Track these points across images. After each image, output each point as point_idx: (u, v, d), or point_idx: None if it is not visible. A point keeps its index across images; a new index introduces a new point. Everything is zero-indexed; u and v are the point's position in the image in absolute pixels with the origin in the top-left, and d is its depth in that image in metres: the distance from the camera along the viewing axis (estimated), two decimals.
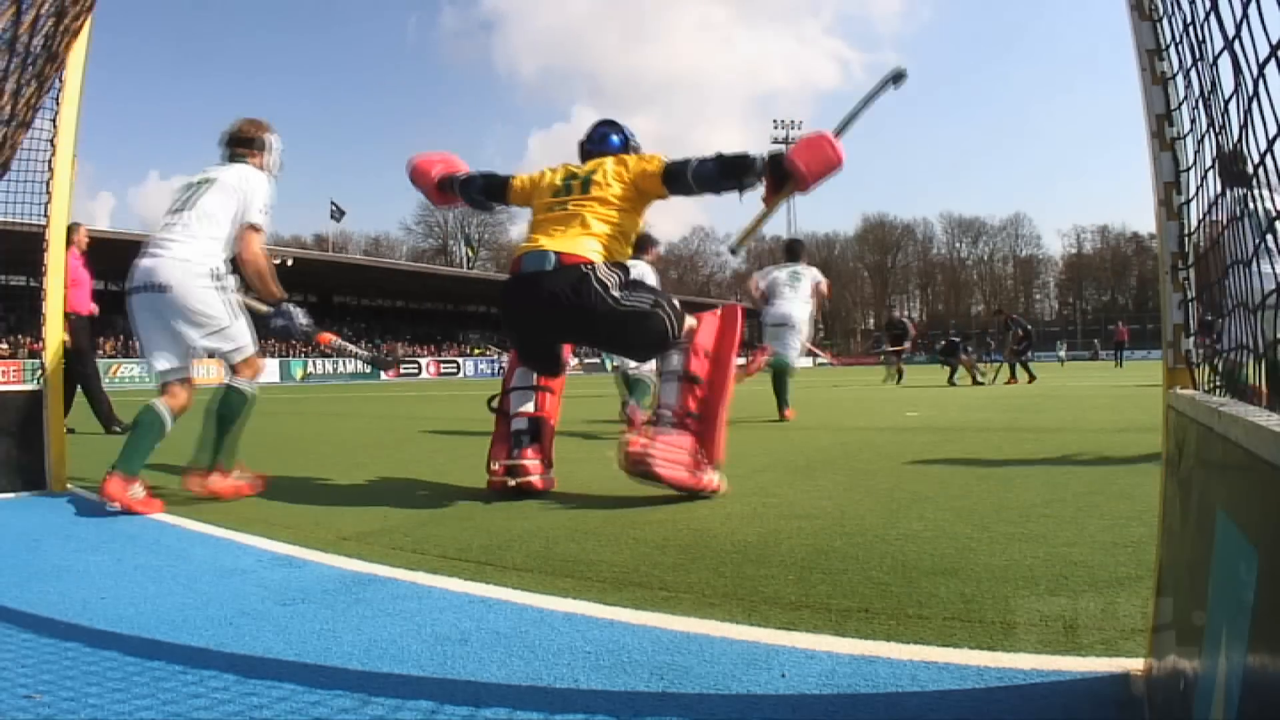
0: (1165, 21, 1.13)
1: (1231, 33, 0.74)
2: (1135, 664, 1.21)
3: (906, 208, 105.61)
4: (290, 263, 31.43)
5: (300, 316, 3.25)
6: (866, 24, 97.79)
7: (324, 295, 38.25)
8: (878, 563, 1.89)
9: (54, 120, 3.26)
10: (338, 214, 40.62)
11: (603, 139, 3.28)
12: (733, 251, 3.45)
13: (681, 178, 2.84)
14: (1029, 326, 14.20)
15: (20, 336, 21.61)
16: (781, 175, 2.74)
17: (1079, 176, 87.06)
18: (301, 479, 3.66)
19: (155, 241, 2.98)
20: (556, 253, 2.78)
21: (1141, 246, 62.03)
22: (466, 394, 14.14)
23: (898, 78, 2.75)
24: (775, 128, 69.55)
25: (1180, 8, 0.99)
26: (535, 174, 3.20)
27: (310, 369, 31.99)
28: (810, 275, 6.83)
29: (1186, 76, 1.02)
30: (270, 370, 30.56)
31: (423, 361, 34.86)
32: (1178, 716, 0.87)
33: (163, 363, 3.07)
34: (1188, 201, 1.13)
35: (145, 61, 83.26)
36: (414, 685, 1.26)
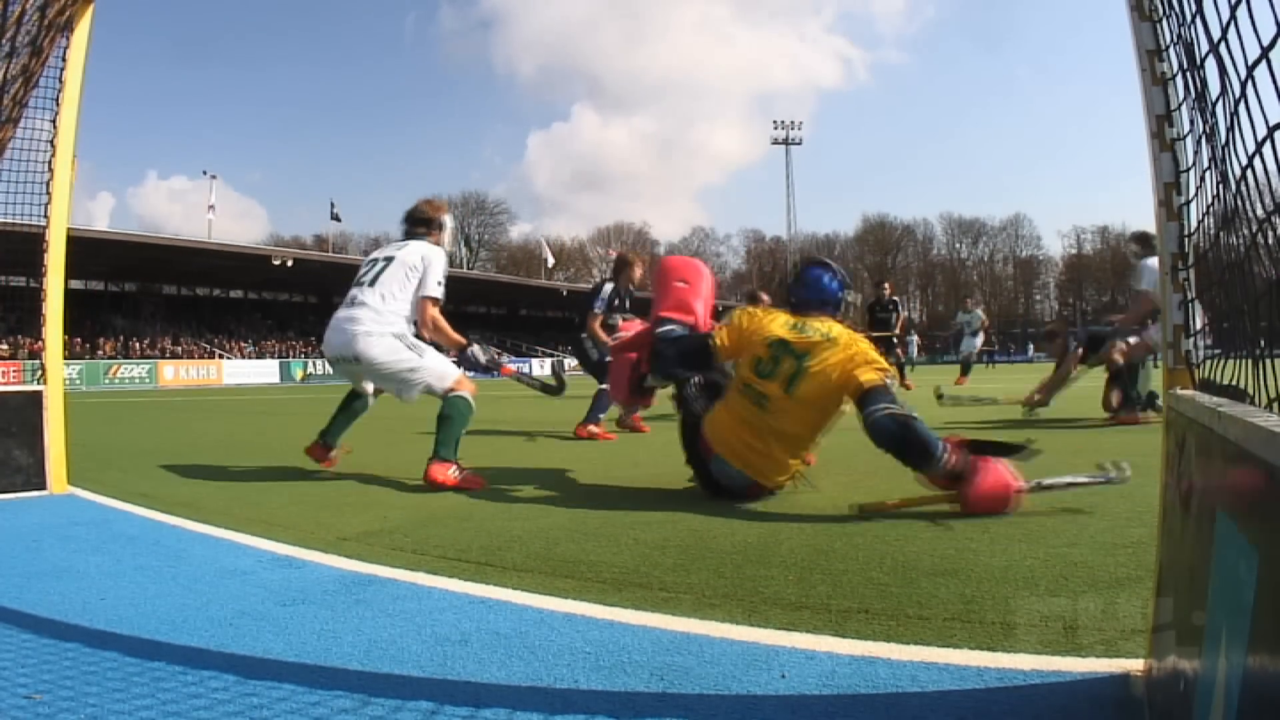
0: (1165, 22, 1.13)
1: (1217, 36, 0.74)
2: (1135, 664, 1.21)
3: (906, 208, 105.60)
4: (290, 263, 31.48)
5: (480, 355, 3.70)
6: (868, 22, 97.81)
7: (324, 296, 38.27)
8: (878, 563, 1.89)
9: (54, 120, 3.26)
10: (337, 215, 40.74)
11: (815, 282, 2.99)
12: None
13: (860, 411, 2.64)
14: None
15: (20, 337, 21.64)
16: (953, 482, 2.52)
17: (1079, 177, 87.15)
18: (301, 479, 3.65)
19: (344, 314, 3.47)
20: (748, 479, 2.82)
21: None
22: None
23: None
24: (775, 128, 69.69)
25: (1173, 9, 1.00)
26: (750, 323, 2.90)
27: (310, 369, 31.99)
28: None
29: (1184, 77, 1.02)
30: (270, 370, 30.59)
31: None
32: (1178, 717, 0.87)
33: (412, 394, 3.50)
34: (1188, 202, 1.13)
35: (144, 61, 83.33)
36: (414, 685, 1.26)
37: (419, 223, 3.66)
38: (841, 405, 2.77)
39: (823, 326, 2.83)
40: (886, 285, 12.46)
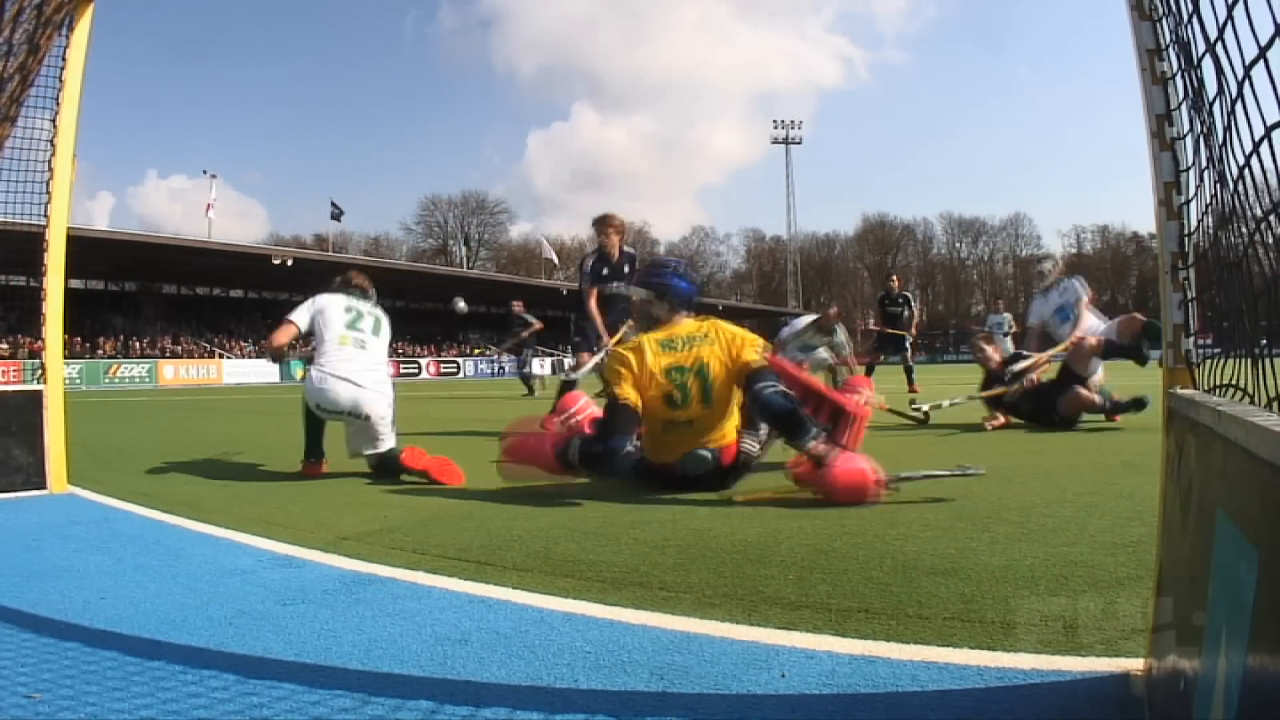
0: (1164, 22, 1.13)
1: (1214, 35, 0.74)
2: (1135, 664, 1.21)
3: (906, 208, 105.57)
4: (290, 263, 31.46)
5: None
6: (869, 22, 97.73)
7: None
8: (878, 563, 1.89)
9: (54, 120, 3.26)
10: (337, 213, 40.67)
11: (683, 284, 3.23)
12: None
13: (747, 389, 2.95)
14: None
15: (20, 336, 21.65)
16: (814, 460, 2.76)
17: (1079, 176, 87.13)
18: (301, 479, 3.65)
19: (357, 368, 3.68)
20: (717, 455, 2.98)
21: (1141, 246, 62.03)
22: (467, 395, 14.14)
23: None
24: (775, 127, 69.64)
25: (1171, 10, 1.00)
26: (636, 369, 3.02)
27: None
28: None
29: (1183, 77, 1.02)
30: (270, 370, 30.54)
31: (422, 362, 34.86)
32: (1178, 716, 0.87)
33: (364, 448, 3.70)
34: (1188, 201, 1.13)
35: (144, 60, 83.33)
36: (414, 685, 1.26)
37: (359, 287, 4.04)
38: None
39: (685, 331, 3.08)
40: (894, 278, 11.69)
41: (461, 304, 8.93)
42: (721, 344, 3.02)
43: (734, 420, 3.08)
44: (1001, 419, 5.25)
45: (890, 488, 2.68)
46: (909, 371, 10.66)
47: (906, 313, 10.55)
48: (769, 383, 2.92)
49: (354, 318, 3.82)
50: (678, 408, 2.98)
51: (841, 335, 7.81)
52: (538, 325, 12.31)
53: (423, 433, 6.18)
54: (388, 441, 3.68)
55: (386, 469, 3.60)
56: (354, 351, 3.71)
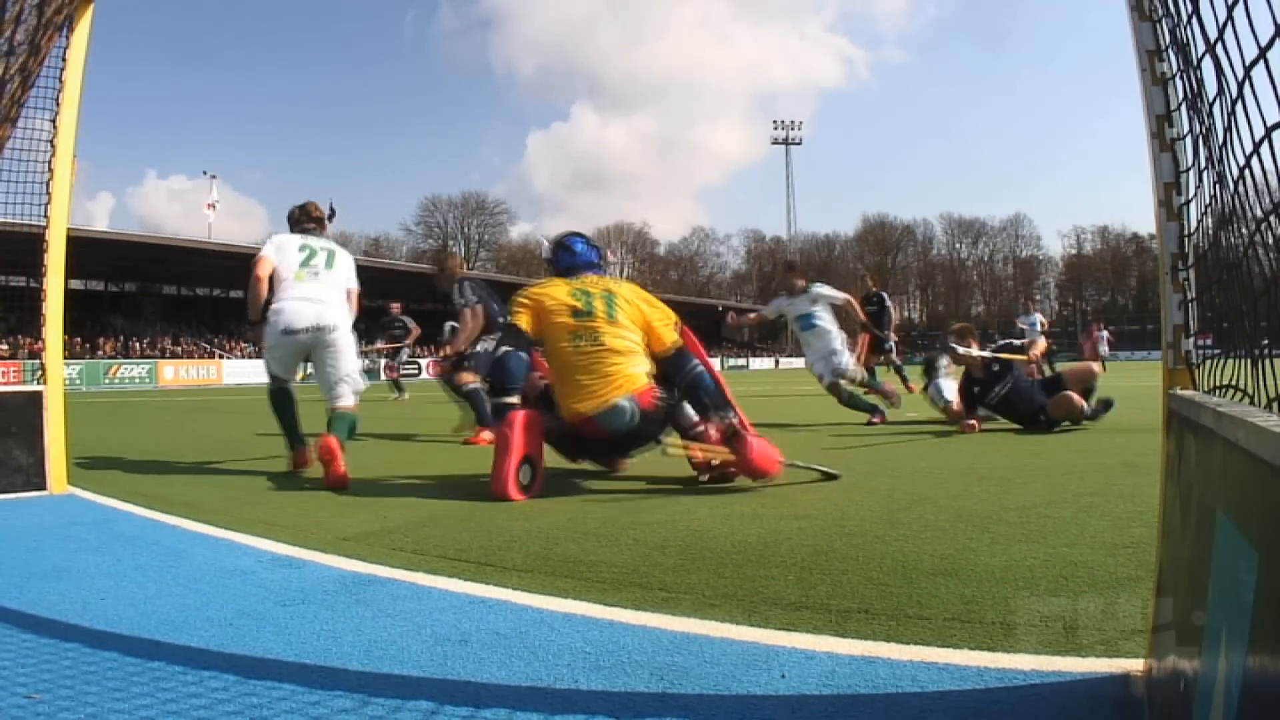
0: (1165, 22, 1.13)
1: (1214, 36, 0.74)
2: (1135, 664, 1.21)
3: (906, 208, 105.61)
4: None
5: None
6: (870, 21, 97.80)
7: None
8: (878, 563, 1.89)
9: (54, 121, 3.26)
10: (331, 214, 40.63)
11: (580, 250, 3.47)
12: None
13: (684, 374, 3.21)
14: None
15: (20, 337, 21.67)
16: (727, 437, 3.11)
17: (1079, 177, 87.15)
18: (301, 479, 3.65)
19: (310, 293, 3.82)
20: (635, 403, 3.12)
21: (1141, 247, 62.03)
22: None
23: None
24: (775, 128, 69.63)
25: (1169, 11, 1.00)
26: (538, 298, 3.27)
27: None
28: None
29: (1183, 78, 1.02)
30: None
31: (422, 363, 34.86)
32: (1178, 717, 0.87)
33: (348, 387, 3.86)
34: (1188, 202, 1.13)
35: (142, 60, 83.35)
36: (414, 685, 1.26)
37: (316, 220, 4.14)
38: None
39: (595, 278, 3.33)
40: (870, 279, 11.61)
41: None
42: (631, 292, 3.31)
43: (646, 365, 3.22)
44: (975, 423, 5.24)
45: (785, 466, 3.10)
46: (899, 370, 10.55)
47: (882, 312, 10.43)
48: (695, 362, 3.22)
49: (307, 255, 3.94)
50: (583, 318, 3.16)
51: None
52: (417, 331, 11.67)
53: (428, 433, 6.18)
54: (350, 387, 3.84)
55: (338, 425, 3.66)
56: (309, 284, 3.86)
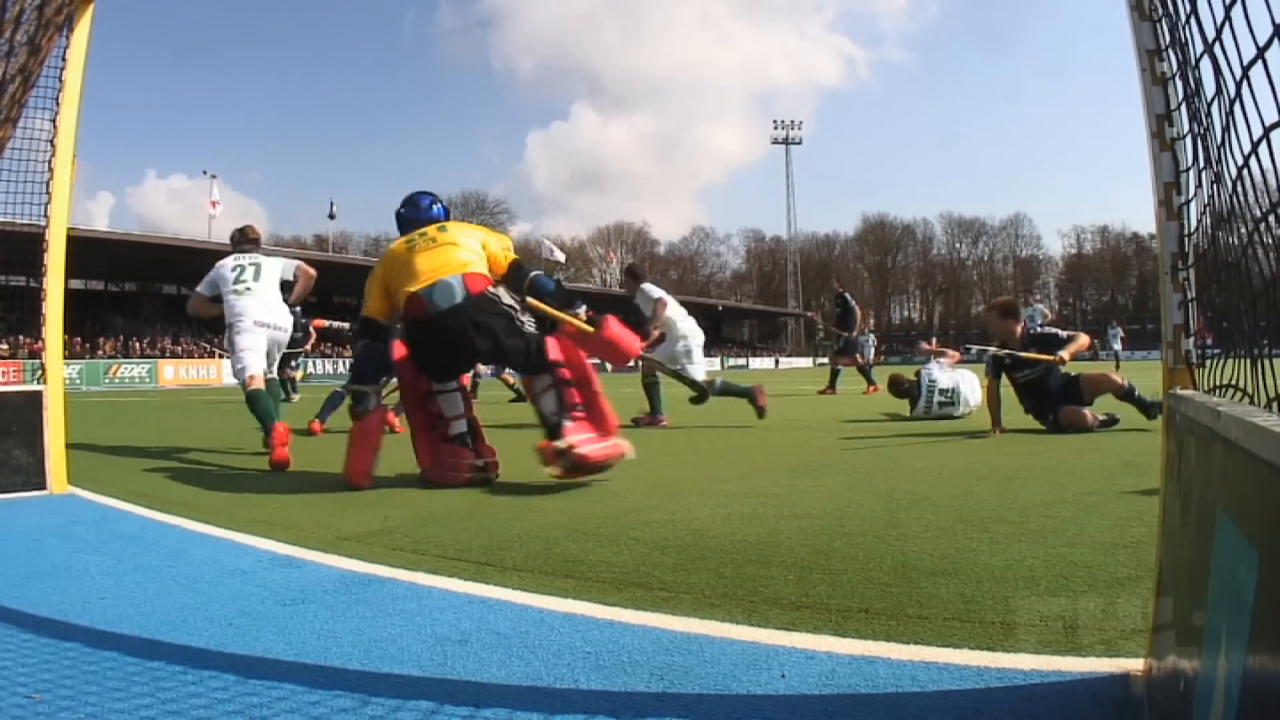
0: (1165, 22, 1.13)
1: (1212, 35, 0.74)
2: (1135, 664, 1.21)
3: (906, 208, 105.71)
4: None
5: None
6: (871, 20, 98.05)
7: (324, 295, 38.24)
8: (878, 563, 1.89)
9: (54, 121, 3.26)
10: (334, 213, 40.74)
11: (430, 207, 3.72)
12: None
13: (522, 277, 3.42)
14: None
15: (20, 337, 21.67)
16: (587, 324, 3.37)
17: (1080, 176, 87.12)
18: (301, 479, 3.65)
19: (265, 300, 4.74)
20: (461, 279, 3.24)
21: (1141, 246, 62.05)
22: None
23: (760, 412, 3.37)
24: (775, 128, 69.64)
25: (1167, 12, 1.00)
26: (378, 271, 3.49)
27: (310, 369, 31.94)
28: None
29: (1182, 78, 1.02)
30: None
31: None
32: (1178, 717, 0.87)
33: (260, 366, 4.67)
34: (1188, 201, 1.13)
35: (142, 60, 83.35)
36: (414, 685, 1.26)
37: (253, 240, 5.06)
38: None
39: (430, 232, 3.43)
40: (835, 281, 11.83)
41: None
42: (472, 227, 3.54)
43: (483, 267, 3.35)
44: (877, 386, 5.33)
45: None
46: (865, 371, 10.86)
47: (847, 313, 10.74)
48: (534, 268, 3.45)
49: (238, 273, 4.73)
50: (420, 245, 3.35)
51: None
52: (315, 338, 11.28)
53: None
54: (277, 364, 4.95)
55: (253, 401, 4.42)
56: (245, 298, 4.67)
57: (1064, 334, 5.24)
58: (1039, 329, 5.53)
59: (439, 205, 3.77)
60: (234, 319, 4.63)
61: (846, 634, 1.43)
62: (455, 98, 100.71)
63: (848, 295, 11.08)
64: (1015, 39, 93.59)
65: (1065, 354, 5.00)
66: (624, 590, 1.75)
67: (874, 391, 9.89)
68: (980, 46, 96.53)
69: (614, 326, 3.34)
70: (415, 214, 3.67)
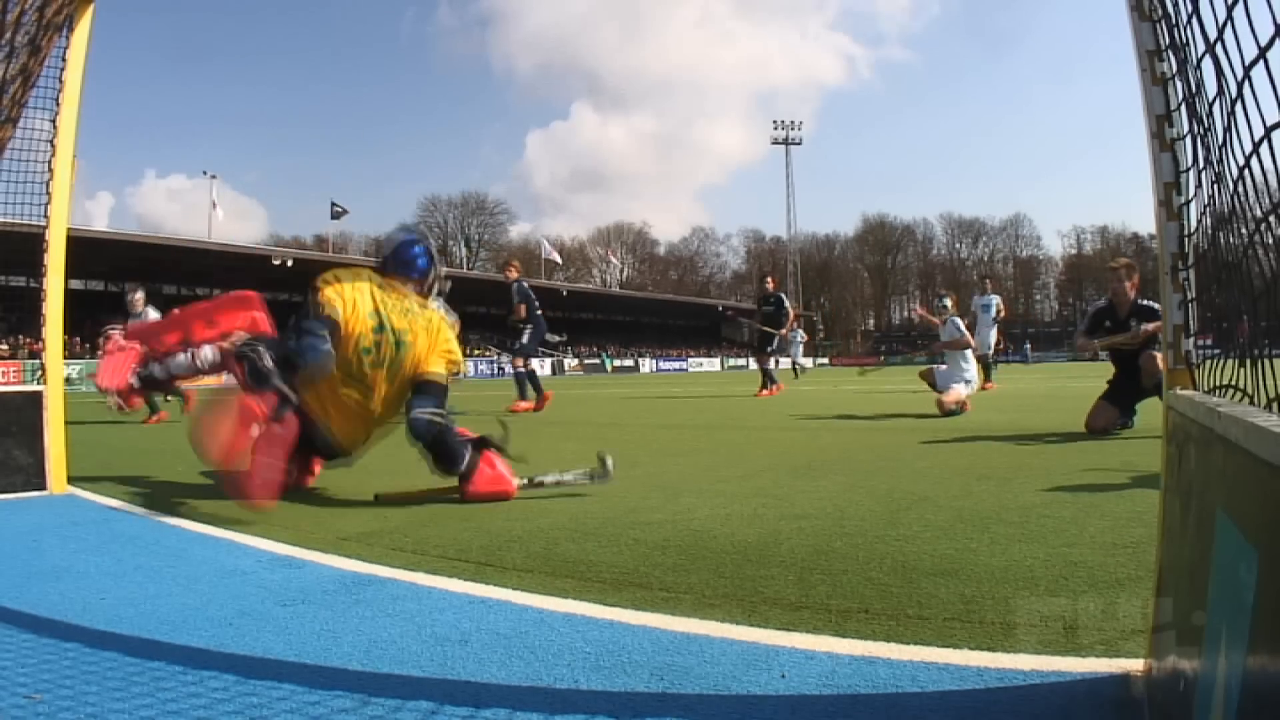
0: (1165, 22, 1.13)
1: (1214, 36, 0.74)
2: (1135, 664, 1.21)
3: (906, 208, 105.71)
4: (290, 263, 31.46)
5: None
6: (872, 20, 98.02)
7: None
8: (878, 563, 1.89)
9: (54, 121, 3.26)
10: (339, 212, 40.67)
11: (409, 255, 3.15)
12: None
13: (409, 416, 2.95)
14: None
15: (20, 337, 21.67)
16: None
17: (1080, 176, 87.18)
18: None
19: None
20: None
21: (1141, 246, 62.00)
22: (467, 394, 14.13)
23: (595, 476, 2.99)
24: (775, 128, 69.64)
25: (1167, 12, 1.00)
26: (348, 299, 2.92)
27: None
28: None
29: (1181, 78, 1.02)
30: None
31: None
32: (1178, 717, 0.87)
33: None
34: (1188, 202, 1.13)
35: (141, 60, 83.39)
36: (414, 685, 1.26)
37: None
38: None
39: (412, 303, 3.01)
40: (770, 280, 11.87)
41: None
42: (428, 338, 2.99)
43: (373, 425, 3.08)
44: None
45: (525, 488, 2.92)
46: (765, 373, 10.99)
47: (779, 312, 11.02)
48: (429, 407, 2.87)
49: None
50: (372, 367, 2.91)
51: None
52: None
53: None
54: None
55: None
56: None
57: (1150, 327, 4.98)
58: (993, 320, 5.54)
59: (426, 255, 3.21)
60: None
61: (846, 634, 1.43)
62: (454, 97, 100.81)
63: (783, 295, 11.41)
64: (1017, 38, 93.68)
65: (1151, 327, 4.82)
66: (624, 590, 1.75)
67: (773, 393, 10.29)
68: (982, 45, 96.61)
69: (483, 477, 2.88)
70: (400, 268, 3.14)
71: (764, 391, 10.58)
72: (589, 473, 2.96)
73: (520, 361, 8.41)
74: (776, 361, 11.33)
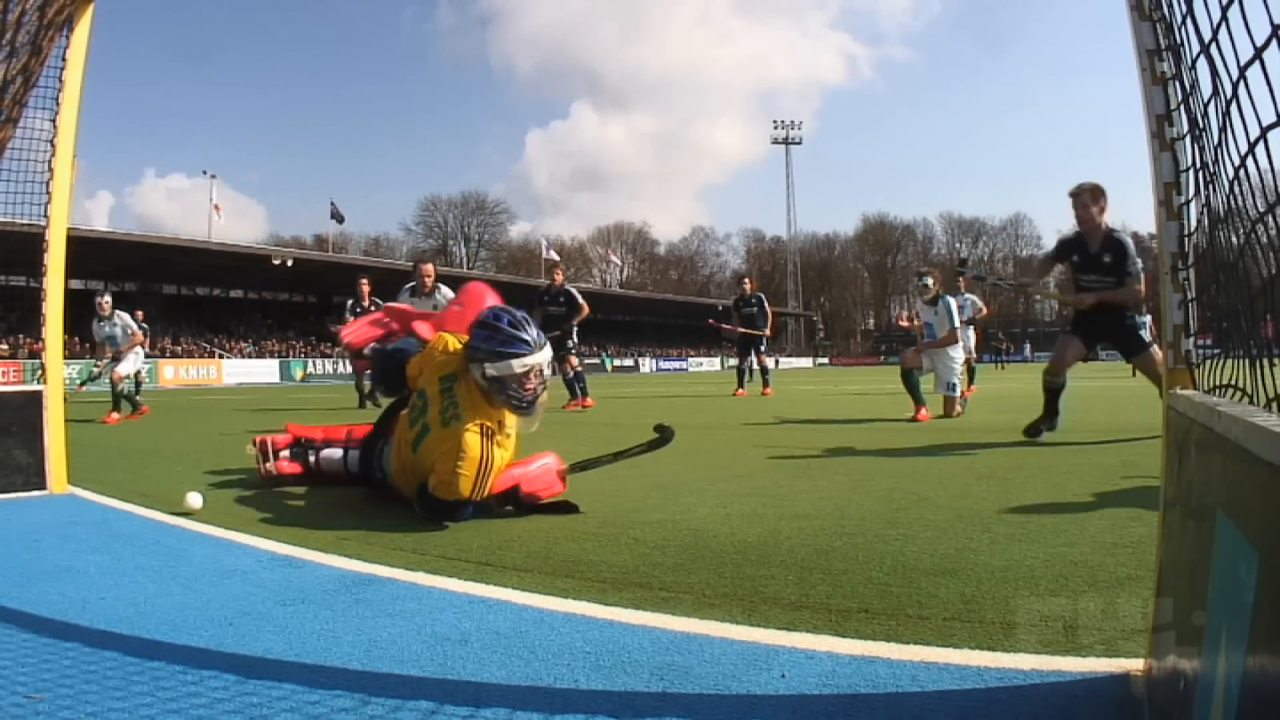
0: (1163, 24, 1.13)
1: (1208, 36, 0.74)
2: (1135, 664, 1.21)
3: (907, 207, 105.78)
4: (290, 263, 31.47)
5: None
6: (872, 19, 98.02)
7: (324, 295, 38.26)
8: (878, 563, 1.89)
9: (54, 120, 3.25)
10: (338, 218, 40.68)
11: (493, 332, 2.63)
12: None
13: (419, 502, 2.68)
14: None
15: (20, 336, 21.67)
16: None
17: (1080, 176, 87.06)
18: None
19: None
20: None
21: (1142, 246, 62.04)
22: None
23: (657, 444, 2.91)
24: (775, 128, 69.66)
25: (1163, 10, 1.00)
26: (435, 351, 2.74)
27: (310, 369, 31.98)
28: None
29: (1179, 78, 1.02)
30: (270, 370, 30.61)
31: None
32: (1178, 717, 0.87)
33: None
34: (1188, 201, 1.13)
35: (141, 59, 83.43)
36: (414, 685, 1.26)
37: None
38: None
39: (463, 398, 2.60)
40: (747, 281, 11.81)
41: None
42: (447, 444, 2.54)
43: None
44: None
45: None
46: (764, 373, 10.98)
47: (760, 314, 11.03)
48: (424, 504, 2.58)
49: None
50: (412, 424, 2.71)
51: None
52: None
53: None
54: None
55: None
56: None
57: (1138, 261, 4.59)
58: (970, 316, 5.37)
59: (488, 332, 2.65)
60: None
61: (846, 634, 1.43)
62: (454, 97, 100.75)
63: (763, 296, 11.47)
64: (1018, 38, 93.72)
65: (1091, 299, 4.50)
66: (624, 590, 1.75)
67: (744, 394, 10.39)
68: (983, 45, 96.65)
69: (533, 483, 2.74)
70: (484, 343, 2.60)
71: (765, 390, 10.71)
72: (648, 444, 2.93)
73: (574, 362, 8.52)
74: (758, 361, 11.28)
